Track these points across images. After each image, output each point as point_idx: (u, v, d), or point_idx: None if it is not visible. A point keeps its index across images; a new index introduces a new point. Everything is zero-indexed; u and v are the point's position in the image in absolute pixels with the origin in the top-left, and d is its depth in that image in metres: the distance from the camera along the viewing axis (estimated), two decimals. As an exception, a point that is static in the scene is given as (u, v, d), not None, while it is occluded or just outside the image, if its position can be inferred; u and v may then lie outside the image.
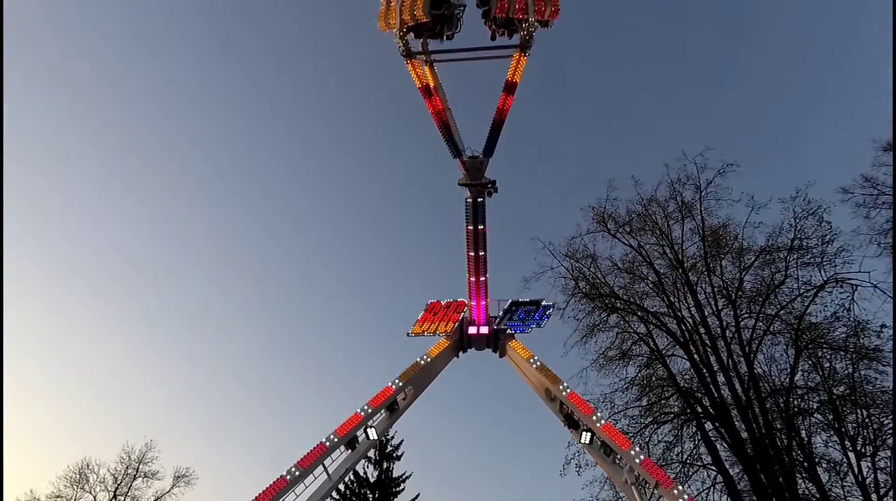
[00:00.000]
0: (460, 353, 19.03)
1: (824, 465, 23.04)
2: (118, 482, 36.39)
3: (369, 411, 16.51)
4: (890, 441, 21.73)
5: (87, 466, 36.49)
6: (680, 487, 13.73)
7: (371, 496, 36.69)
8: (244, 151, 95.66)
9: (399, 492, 37.15)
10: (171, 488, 36.88)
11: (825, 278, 23.24)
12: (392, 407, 17.71)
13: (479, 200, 17.38)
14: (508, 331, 18.40)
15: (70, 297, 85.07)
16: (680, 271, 26.18)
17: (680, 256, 26.66)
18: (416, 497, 36.85)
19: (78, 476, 35.92)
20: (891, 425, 21.86)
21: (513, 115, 17.16)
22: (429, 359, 18.11)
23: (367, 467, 37.95)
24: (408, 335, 19.39)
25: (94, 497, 35.76)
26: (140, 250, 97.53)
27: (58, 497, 35.14)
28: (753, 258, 25.55)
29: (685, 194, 27.23)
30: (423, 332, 19.19)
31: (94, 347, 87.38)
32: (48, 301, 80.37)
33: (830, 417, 22.64)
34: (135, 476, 36.74)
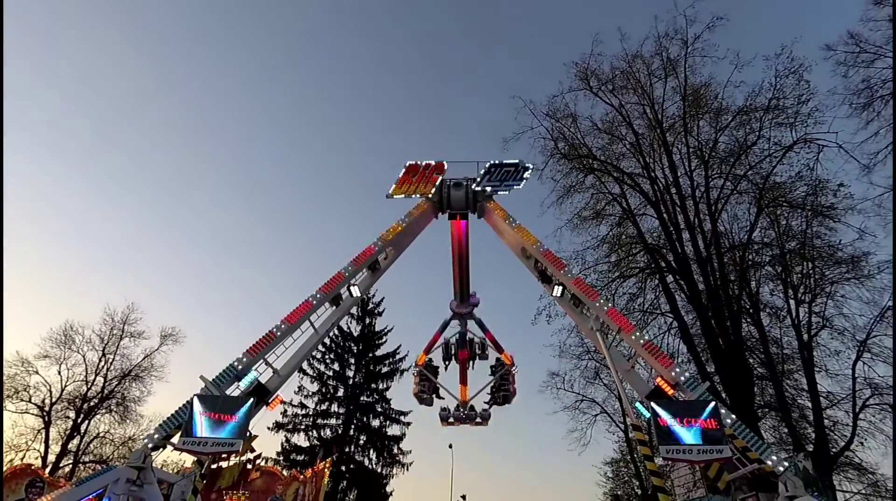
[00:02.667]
0: (439, 214, 19.21)
1: (767, 311, 25.49)
2: (105, 342, 37.08)
3: (351, 270, 16.97)
4: (828, 289, 23.90)
5: (72, 328, 36.78)
6: (639, 332, 15.02)
7: (355, 348, 39.45)
8: None
9: (381, 344, 40.01)
10: (160, 346, 37.93)
11: (795, 139, 23.80)
12: (373, 267, 18.18)
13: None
14: (487, 192, 18.52)
15: (48, 157, 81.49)
16: (658, 131, 26.26)
17: (659, 116, 26.61)
18: (398, 348, 39.94)
19: (63, 338, 36.25)
20: (831, 275, 23.93)
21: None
22: (408, 220, 18.31)
23: (351, 322, 40.43)
24: (387, 196, 19.28)
25: (84, 356, 36.45)
26: (123, 111, 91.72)
27: (45, 356, 35.49)
28: (730, 118, 25.70)
29: (671, 50, 26.63)
30: (403, 193, 19.10)
31: (73, 209, 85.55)
32: (25, 162, 76.89)
33: (779, 269, 24.49)
34: (121, 336, 37.50)
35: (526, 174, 18.58)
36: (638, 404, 14.45)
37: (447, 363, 21.22)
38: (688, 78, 26.29)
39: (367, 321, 40.71)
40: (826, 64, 22.94)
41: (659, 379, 14.33)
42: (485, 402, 20.45)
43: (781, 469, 11.90)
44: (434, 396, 20.70)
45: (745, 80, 25.70)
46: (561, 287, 16.83)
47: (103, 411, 36.19)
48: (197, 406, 13.53)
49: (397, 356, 39.35)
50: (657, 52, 26.76)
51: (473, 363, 20.90)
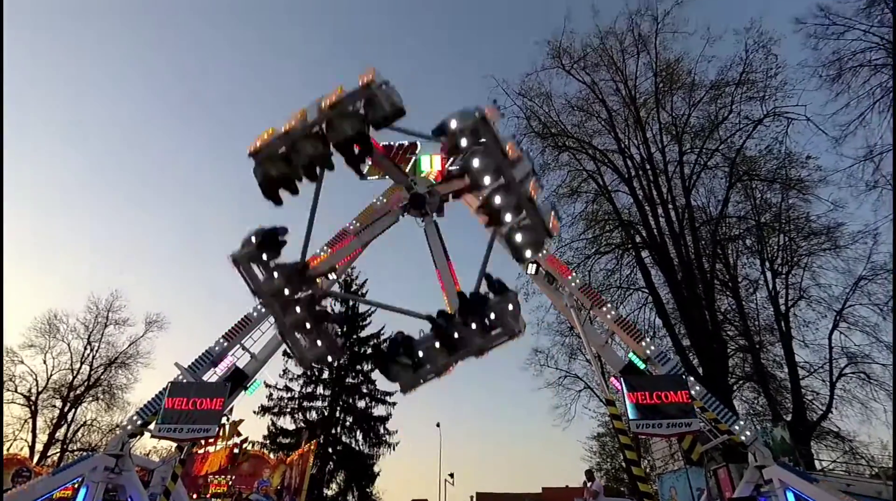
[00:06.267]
0: (414, 194, 19.00)
1: (744, 284, 25.79)
2: (90, 330, 37.09)
3: (327, 252, 16.82)
4: (804, 261, 24.24)
5: (56, 316, 36.74)
6: (610, 307, 15.09)
7: (340, 330, 39.37)
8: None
9: (365, 325, 39.97)
10: (145, 333, 38.11)
11: (765, 113, 24.12)
12: (349, 248, 18.07)
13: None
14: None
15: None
16: (631, 107, 26.24)
17: (633, 92, 26.58)
18: (382, 328, 39.81)
19: (48, 327, 36.23)
20: (806, 247, 24.26)
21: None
22: (384, 201, 18.15)
23: (335, 303, 40.21)
24: (361, 177, 19.12)
25: (69, 345, 36.43)
26: (101, 93, 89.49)
27: (31, 346, 35.43)
28: (703, 93, 25.88)
29: (642, 27, 26.59)
30: (377, 175, 18.95)
31: (56, 193, 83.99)
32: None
33: (754, 241, 24.81)
34: (105, 323, 37.54)
35: (500, 152, 18.42)
36: (612, 379, 14.63)
37: None
38: (660, 54, 26.43)
39: (351, 302, 40.64)
40: (796, 37, 23.15)
41: (631, 354, 14.47)
42: None
43: (745, 437, 12.15)
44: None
45: (717, 54, 26.09)
46: (535, 265, 16.84)
47: (90, 399, 36.34)
48: (171, 393, 13.54)
49: (382, 337, 39.35)
50: (629, 29, 26.76)
51: None
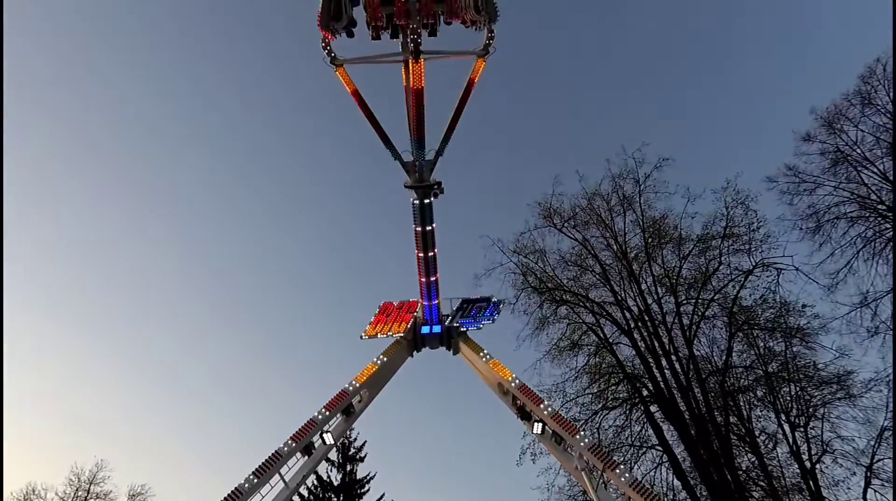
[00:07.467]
0: (415, 352, 19.20)
1: (763, 438, 24.45)
2: None
3: (324, 416, 16.53)
4: (820, 412, 23.28)
5: (33, 491, 35.26)
6: (621, 467, 14.37)
7: (336, 499, 36.42)
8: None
9: (364, 493, 36.98)
10: None
11: (753, 264, 24.95)
12: (348, 410, 17.72)
13: (425, 201, 16.12)
14: (461, 329, 18.70)
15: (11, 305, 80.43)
16: (624, 262, 27.17)
17: (624, 247, 27.66)
18: (381, 497, 36.84)
19: None
20: (819, 396, 23.47)
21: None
22: (384, 360, 18.23)
23: (331, 470, 37.68)
24: (361, 337, 19.45)
25: None
26: (85, 255, 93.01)
27: None
28: (691, 247, 26.90)
29: (626, 188, 28.35)
30: (377, 334, 19.28)
31: (37, 364, 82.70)
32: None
33: (764, 392, 24.06)
34: (86, 498, 35.66)
35: (498, 309, 19.01)
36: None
37: None
38: (645, 212, 27.97)
39: (349, 467, 37.96)
40: (771, 194, 25.02)
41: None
42: None
43: None
44: None
45: (699, 211, 27.35)
46: (541, 424, 16.40)
47: None
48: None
49: (382, 508, 36.25)
50: (614, 191, 28.57)
51: None
